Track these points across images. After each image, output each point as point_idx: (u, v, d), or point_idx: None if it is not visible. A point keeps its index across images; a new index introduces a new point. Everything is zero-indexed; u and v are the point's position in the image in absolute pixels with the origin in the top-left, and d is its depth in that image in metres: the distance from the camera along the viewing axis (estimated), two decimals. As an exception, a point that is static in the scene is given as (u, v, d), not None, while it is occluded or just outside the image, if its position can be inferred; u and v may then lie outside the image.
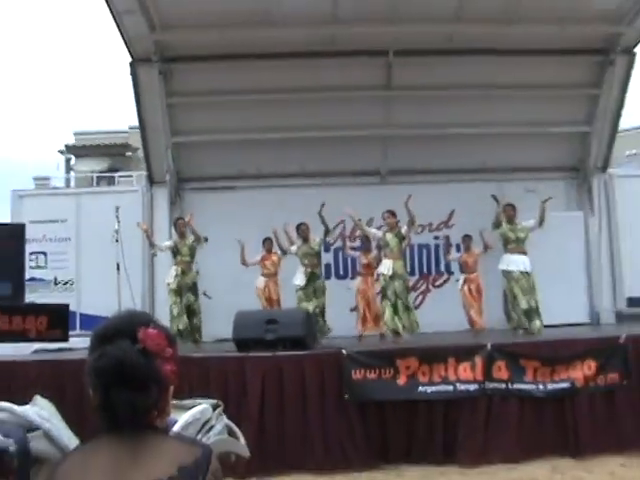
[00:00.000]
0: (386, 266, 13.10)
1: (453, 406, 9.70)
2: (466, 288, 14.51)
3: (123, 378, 2.00)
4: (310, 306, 13.17)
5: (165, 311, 13.60)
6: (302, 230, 13.86)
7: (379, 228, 14.29)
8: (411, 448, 9.61)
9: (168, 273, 13.92)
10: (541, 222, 13.09)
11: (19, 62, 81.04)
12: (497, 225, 13.41)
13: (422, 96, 15.98)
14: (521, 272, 12.85)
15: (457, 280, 15.41)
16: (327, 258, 16.26)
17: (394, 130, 16.56)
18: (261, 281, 14.52)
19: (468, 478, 8.86)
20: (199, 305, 13.93)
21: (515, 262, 12.96)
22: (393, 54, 15.26)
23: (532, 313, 12.69)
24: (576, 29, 14.92)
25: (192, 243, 13.79)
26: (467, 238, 14.99)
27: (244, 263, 14.36)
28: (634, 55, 15.98)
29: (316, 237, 13.94)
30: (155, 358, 2.06)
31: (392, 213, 13.51)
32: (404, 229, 13.35)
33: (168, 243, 14.04)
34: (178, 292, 13.54)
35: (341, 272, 16.74)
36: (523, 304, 12.72)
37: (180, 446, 2.08)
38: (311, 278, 13.66)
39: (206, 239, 14.02)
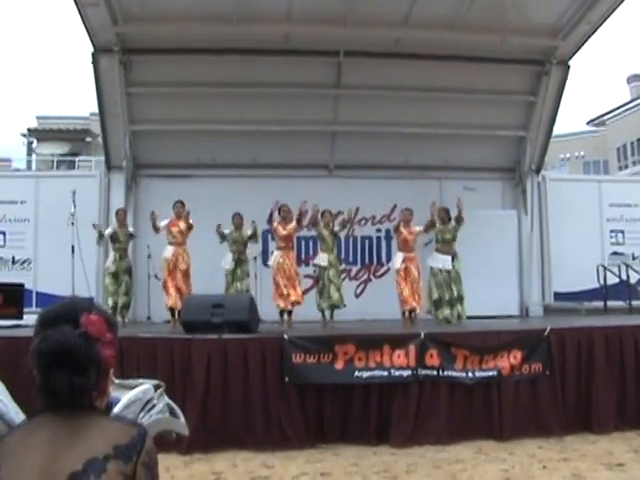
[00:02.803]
0: (322, 259, 13.91)
1: (387, 390, 9.77)
2: (403, 267, 13.83)
3: (63, 360, 2.01)
4: (237, 287, 14.04)
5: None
6: (235, 220, 14.34)
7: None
8: (346, 429, 9.68)
9: (107, 258, 14.51)
10: (459, 220, 13.66)
11: (-15, 46, 79.86)
12: (432, 225, 13.78)
13: (369, 95, 16.07)
14: (440, 269, 13.58)
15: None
16: (274, 246, 16.28)
17: (342, 127, 16.64)
18: (169, 250, 13.90)
19: (399, 458, 8.93)
20: (132, 287, 14.48)
21: (437, 260, 13.70)
22: (343, 54, 15.30)
23: (441, 303, 13.51)
24: (516, 40, 15.11)
25: (127, 234, 14.46)
26: (407, 212, 14.19)
27: (155, 229, 13.93)
28: (568, 67, 16.27)
29: (249, 230, 14.27)
30: (95, 342, 2.07)
31: (330, 213, 14.26)
32: (337, 227, 14.24)
33: (109, 230, 14.45)
34: (116, 275, 14.17)
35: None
36: (434, 295, 13.57)
37: (117, 426, 2.09)
38: (238, 263, 14.22)
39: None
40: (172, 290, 13.58)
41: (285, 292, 13.53)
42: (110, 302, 13.86)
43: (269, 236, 15.53)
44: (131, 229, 14.63)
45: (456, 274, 13.69)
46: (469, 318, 14.07)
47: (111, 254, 14.40)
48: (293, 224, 13.77)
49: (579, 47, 15.74)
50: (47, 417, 2.05)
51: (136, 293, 15.02)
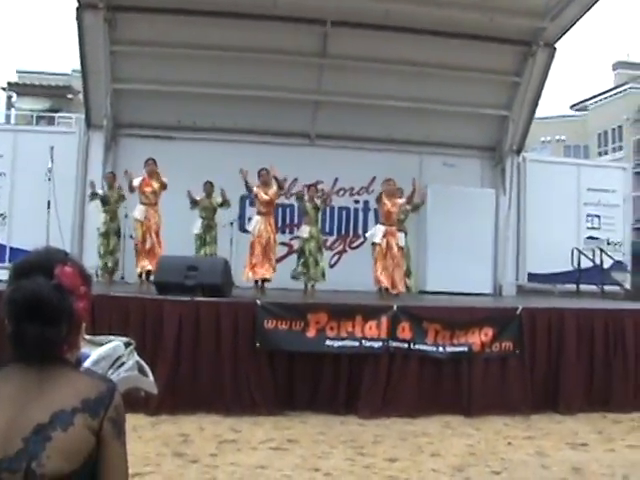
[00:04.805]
0: (305, 231, 13.95)
1: (357, 361, 9.81)
2: (384, 242, 13.20)
3: (35, 311, 1.97)
4: (205, 252, 14.52)
5: (92, 247, 14.70)
6: (206, 187, 14.73)
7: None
8: (315, 397, 9.72)
9: (98, 219, 14.57)
10: (410, 203, 13.96)
11: (-32, -4, 78.52)
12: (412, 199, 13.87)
13: (354, 67, 16.02)
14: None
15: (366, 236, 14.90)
16: (251, 212, 16.29)
17: (325, 96, 16.60)
18: (140, 210, 13.69)
19: (366, 429, 8.99)
20: (120, 247, 14.78)
21: None
22: (330, 24, 15.20)
23: None
24: (504, 19, 15.09)
25: (119, 195, 14.57)
26: (391, 183, 13.54)
27: (131, 189, 13.77)
28: (554, 49, 16.30)
29: (218, 197, 14.64)
30: (69, 295, 2.03)
31: (315, 187, 14.50)
32: (319, 202, 14.18)
33: (100, 192, 14.52)
34: (106, 235, 14.46)
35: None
36: None
37: (86, 380, 2.06)
38: (207, 229, 14.75)
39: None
40: (143, 255, 13.50)
41: (257, 263, 13.29)
42: (100, 263, 14.28)
43: (247, 201, 15.53)
44: (119, 190, 14.56)
45: (407, 250, 14.15)
46: (442, 294, 14.16)
47: (101, 215, 14.51)
48: (274, 189, 13.53)
49: (567, 30, 15.76)
50: (16, 368, 2.02)
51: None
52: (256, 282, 13.41)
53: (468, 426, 9.28)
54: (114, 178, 14.73)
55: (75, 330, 2.09)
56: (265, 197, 13.43)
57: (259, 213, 13.61)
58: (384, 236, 13.29)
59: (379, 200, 13.60)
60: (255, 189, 13.48)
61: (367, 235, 14.50)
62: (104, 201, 14.47)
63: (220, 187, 14.43)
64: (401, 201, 13.60)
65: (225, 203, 14.64)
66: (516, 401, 9.98)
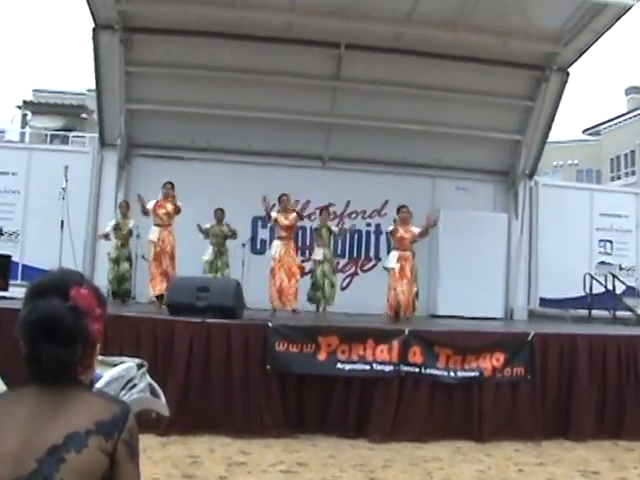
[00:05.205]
0: (319, 253, 14.38)
1: (368, 385, 9.76)
2: (398, 266, 13.11)
3: (51, 332, 1.99)
4: (216, 276, 14.44)
5: (104, 267, 14.81)
6: (217, 214, 14.89)
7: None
8: (326, 421, 9.67)
9: (109, 244, 14.76)
10: (422, 235, 13.43)
11: (-15, 15, 79.38)
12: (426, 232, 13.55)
13: (368, 90, 16.08)
14: None
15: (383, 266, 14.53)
16: (263, 233, 16.38)
17: (338, 119, 16.65)
18: (154, 232, 13.34)
19: (376, 453, 8.94)
20: (131, 273, 14.80)
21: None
22: (344, 47, 15.28)
23: None
24: (518, 44, 15.12)
25: (130, 226, 14.74)
26: (404, 211, 13.36)
27: (145, 213, 13.50)
28: (568, 74, 16.30)
29: (230, 225, 14.87)
30: (84, 316, 2.05)
31: (327, 211, 14.95)
32: (333, 227, 14.70)
33: (112, 222, 14.79)
34: (116, 261, 14.59)
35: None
36: None
37: (100, 402, 2.07)
38: (218, 254, 14.82)
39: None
40: (158, 277, 13.23)
41: (279, 290, 13.14)
42: (110, 287, 14.25)
43: (259, 223, 15.56)
44: (131, 224, 14.72)
45: (416, 271, 13.90)
46: (453, 318, 14.12)
47: (113, 241, 14.66)
48: (294, 214, 13.61)
49: (580, 55, 15.76)
50: (31, 389, 2.03)
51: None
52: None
53: (479, 452, 9.21)
54: (128, 207, 14.81)
55: (90, 352, 2.11)
56: (285, 222, 13.40)
57: (279, 238, 13.60)
58: (398, 261, 13.26)
59: (393, 232, 13.46)
60: (275, 214, 13.45)
61: (384, 265, 14.23)
62: (116, 228, 14.62)
63: (225, 223, 14.70)
64: (415, 230, 13.34)
65: (233, 235, 14.82)
66: (527, 427, 9.91)
